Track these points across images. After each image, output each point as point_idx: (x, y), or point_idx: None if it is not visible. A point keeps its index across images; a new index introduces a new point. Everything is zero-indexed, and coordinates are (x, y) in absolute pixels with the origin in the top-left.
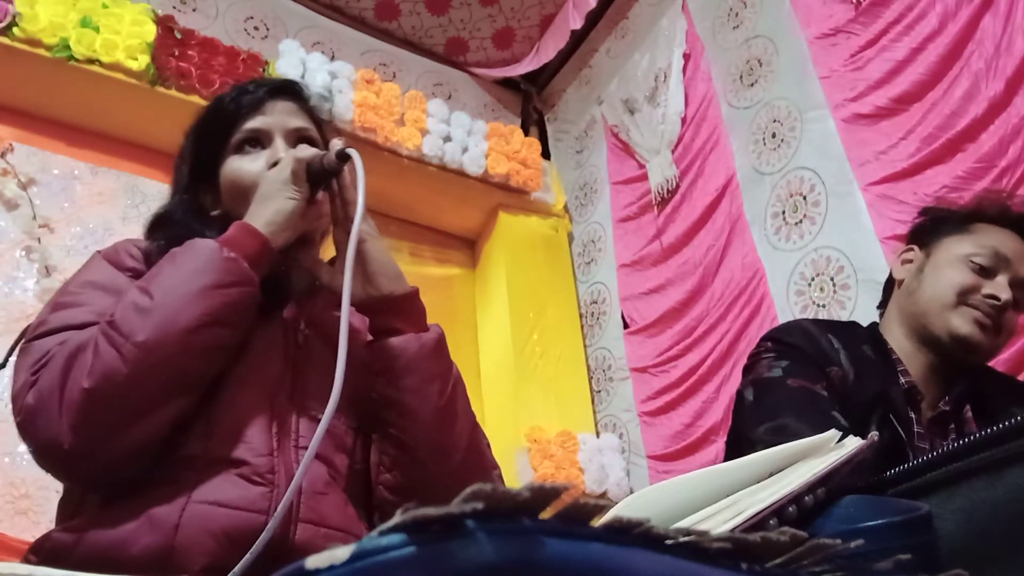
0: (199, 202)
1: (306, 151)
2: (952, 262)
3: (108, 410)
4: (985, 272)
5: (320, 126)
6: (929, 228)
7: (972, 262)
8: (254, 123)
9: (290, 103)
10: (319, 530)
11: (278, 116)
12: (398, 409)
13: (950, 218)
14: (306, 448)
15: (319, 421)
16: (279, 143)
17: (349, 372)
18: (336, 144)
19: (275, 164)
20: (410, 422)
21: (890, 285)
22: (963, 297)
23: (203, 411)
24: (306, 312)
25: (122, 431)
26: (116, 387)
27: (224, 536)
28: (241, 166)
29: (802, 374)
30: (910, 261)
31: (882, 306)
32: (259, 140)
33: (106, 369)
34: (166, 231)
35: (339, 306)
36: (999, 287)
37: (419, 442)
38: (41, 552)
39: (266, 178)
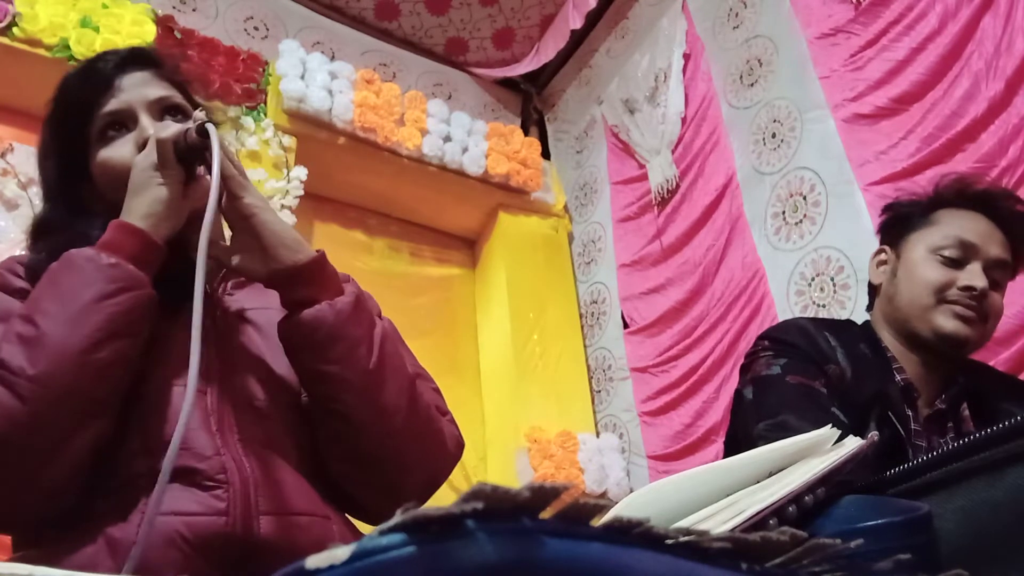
0: (78, 198)
1: (168, 129)
2: (922, 260)
3: (17, 454)
4: (956, 263)
5: (184, 89)
6: (895, 225)
7: (941, 256)
8: (110, 105)
9: (143, 72)
10: (284, 519)
11: (134, 90)
12: (329, 382)
13: (912, 211)
14: (248, 440)
15: (256, 408)
16: (144, 120)
17: (278, 351)
18: (197, 117)
19: (145, 143)
20: (344, 392)
21: (870, 290)
22: (940, 295)
23: (136, 425)
24: (217, 296)
25: (37, 472)
26: (19, 428)
27: (186, 544)
28: (110, 156)
29: (801, 371)
30: (884, 263)
31: (870, 308)
32: (122, 123)
33: (4, 412)
34: (48, 240)
35: (250, 284)
36: (973, 276)
37: (358, 410)
38: None
39: (135, 166)
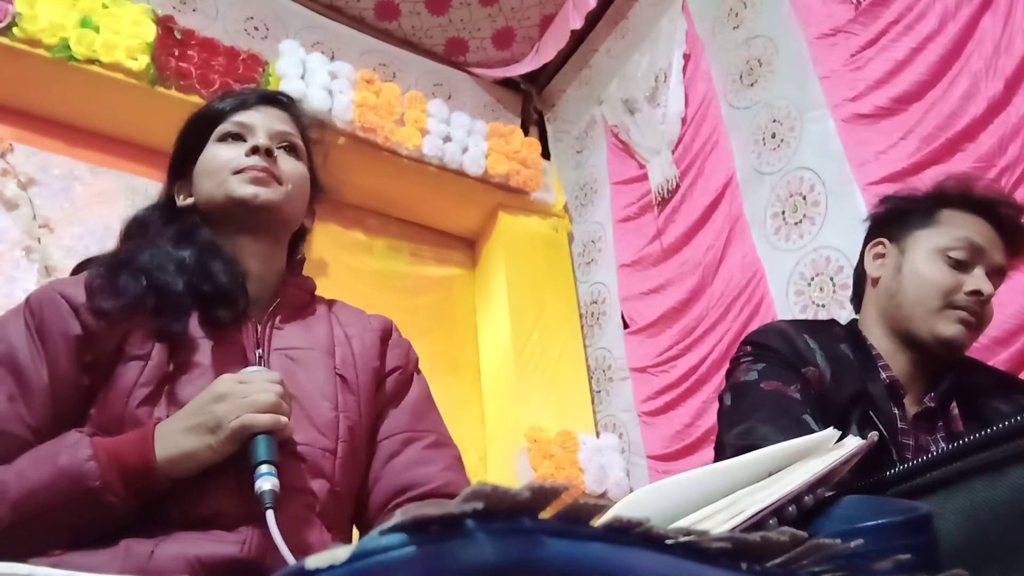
0: (170, 194)
1: (277, 420)
2: (929, 260)
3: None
4: (962, 266)
5: (307, 143)
6: (895, 219)
7: (949, 257)
8: (241, 117)
9: (280, 111)
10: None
11: (265, 117)
12: None
13: (914, 207)
14: (281, 485)
15: (292, 452)
16: (260, 135)
17: (319, 396)
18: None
19: (253, 150)
20: None
21: (860, 279)
22: (947, 298)
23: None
24: (264, 332)
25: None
26: None
27: (198, 563)
28: (216, 151)
29: (776, 376)
30: (882, 256)
31: (856, 300)
32: (242, 135)
33: None
34: (129, 243)
35: (299, 316)
36: (980, 281)
37: None
38: None
39: (226, 396)
